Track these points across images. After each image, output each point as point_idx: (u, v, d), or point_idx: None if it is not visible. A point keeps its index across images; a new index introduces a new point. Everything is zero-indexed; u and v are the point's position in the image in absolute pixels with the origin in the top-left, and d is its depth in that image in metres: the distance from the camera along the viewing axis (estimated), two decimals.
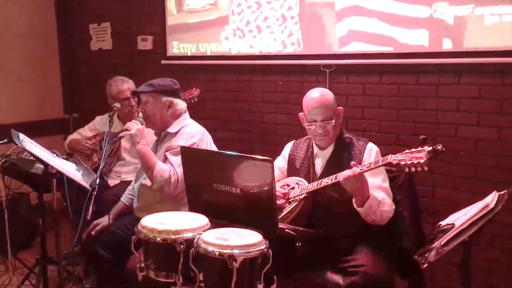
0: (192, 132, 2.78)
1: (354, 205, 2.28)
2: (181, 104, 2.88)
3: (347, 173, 2.19)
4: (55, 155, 2.67)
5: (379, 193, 2.32)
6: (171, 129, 2.83)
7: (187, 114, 2.91)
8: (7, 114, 4.54)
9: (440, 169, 2.97)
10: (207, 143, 2.84)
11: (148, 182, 2.75)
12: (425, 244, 2.07)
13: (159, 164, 2.67)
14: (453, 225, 1.99)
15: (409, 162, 2.04)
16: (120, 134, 2.83)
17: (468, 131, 2.95)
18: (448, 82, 3.00)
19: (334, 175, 2.28)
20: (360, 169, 2.19)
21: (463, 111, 2.97)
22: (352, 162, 2.23)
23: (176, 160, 2.63)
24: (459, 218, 2.01)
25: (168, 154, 2.72)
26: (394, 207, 2.35)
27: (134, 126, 2.73)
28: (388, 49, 3.15)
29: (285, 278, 2.26)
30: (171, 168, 2.66)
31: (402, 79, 3.16)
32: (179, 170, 2.60)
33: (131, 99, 3.54)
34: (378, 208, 2.27)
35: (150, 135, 2.95)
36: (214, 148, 2.90)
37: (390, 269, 2.34)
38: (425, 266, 1.92)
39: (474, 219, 1.92)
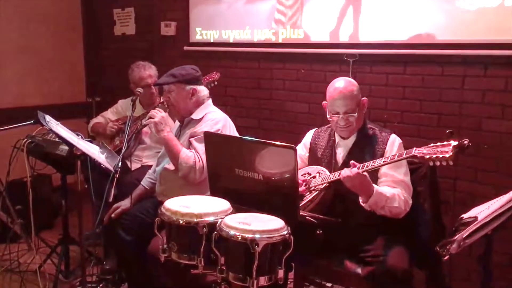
0: (216, 119, 2.79)
1: (360, 200, 2.28)
2: (203, 91, 2.89)
3: (346, 172, 2.20)
4: (79, 137, 2.71)
5: (393, 189, 2.30)
6: (195, 115, 2.84)
7: (210, 101, 2.92)
8: (32, 96, 4.62)
9: (463, 162, 2.94)
10: (230, 129, 2.86)
11: (171, 166, 2.77)
12: (445, 236, 2.06)
13: (184, 151, 2.69)
14: (475, 218, 1.97)
15: (434, 156, 2.01)
16: (144, 122, 2.86)
17: (493, 124, 2.92)
18: (474, 73, 2.96)
19: (337, 172, 2.29)
20: (362, 170, 2.18)
21: (488, 103, 2.93)
22: (352, 162, 2.22)
23: (201, 147, 2.64)
24: (482, 212, 1.99)
25: (193, 141, 2.73)
26: (410, 202, 2.34)
27: (158, 114, 2.74)
28: (413, 39, 3.12)
29: (303, 265, 2.28)
30: (196, 154, 2.68)
31: (427, 70, 3.13)
32: (204, 157, 2.62)
33: (152, 86, 3.57)
34: (386, 204, 2.26)
35: (172, 120, 2.97)
36: (236, 134, 2.91)
37: (409, 260, 2.33)
38: (446, 258, 1.91)
39: (498, 212, 1.91)
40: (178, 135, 2.89)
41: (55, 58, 4.86)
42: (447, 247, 1.91)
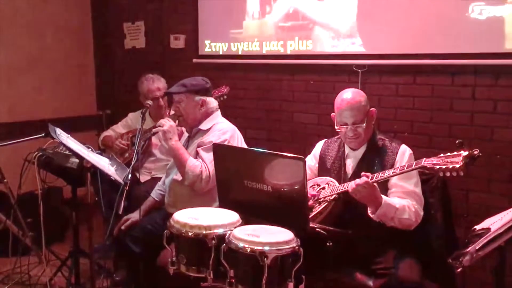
0: (223, 129, 2.81)
1: (368, 211, 2.26)
2: (213, 103, 2.92)
3: (355, 182, 2.18)
4: (89, 149, 2.72)
5: (404, 200, 2.28)
6: (203, 126, 2.87)
7: (218, 112, 2.95)
8: (43, 109, 4.66)
9: (475, 173, 2.90)
10: (238, 140, 2.87)
11: (179, 177, 2.78)
12: (457, 248, 2.03)
13: (191, 160, 2.71)
14: (488, 229, 1.94)
15: (444, 167, 1.99)
16: (153, 130, 2.89)
17: (505, 134, 2.89)
18: (485, 83, 2.93)
19: (347, 183, 2.27)
20: (371, 181, 2.16)
21: (500, 113, 2.90)
22: (363, 173, 2.20)
23: (208, 156, 2.66)
24: (495, 223, 1.97)
25: (200, 150, 2.75)
26: (421, 213, 2.31)
27: (167, 122, 2.77)
28: (422, 49, 3.10)
29: (314, 277, 2.25)
30: (202, 164, 2.69)
31: (437, 80, 3.11)
32: (211, 166, 2.63)
33: (160, 99, 3.59)
34: (395, 216, 2.24)
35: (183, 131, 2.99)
36: (244, 146, 2.91)
37: (421, 272, 2.30)
38: (459, 270, 1.88)
39: (511, 223, 1.87)
40: (186, 145, 2.91)
41: (66, 72, 4.91)
42: (460, 259, 1.88)
